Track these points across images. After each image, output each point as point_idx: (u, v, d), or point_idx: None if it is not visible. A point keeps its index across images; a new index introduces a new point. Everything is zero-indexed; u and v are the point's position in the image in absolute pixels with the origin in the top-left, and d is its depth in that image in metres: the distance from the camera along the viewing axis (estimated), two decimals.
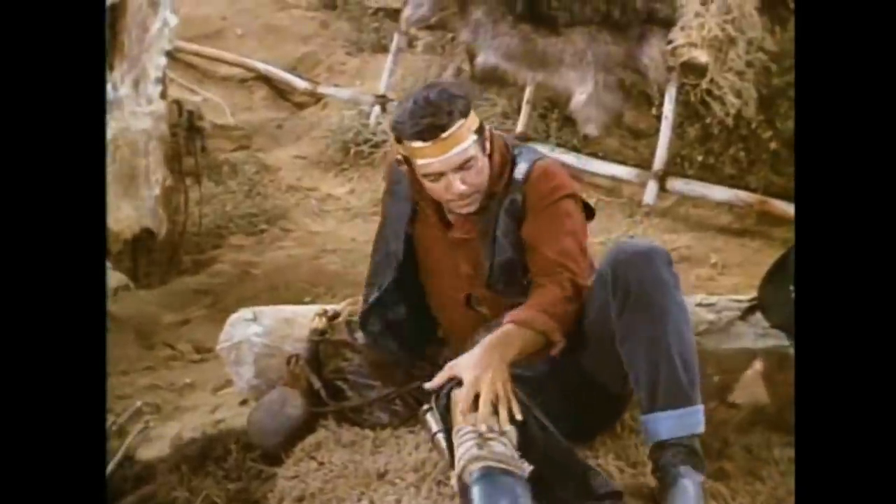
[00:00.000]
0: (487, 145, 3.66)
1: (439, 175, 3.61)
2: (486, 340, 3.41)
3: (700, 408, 3.38)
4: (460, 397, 3.29)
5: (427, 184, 3.68)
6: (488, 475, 3.15)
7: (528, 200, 3.69)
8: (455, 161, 3.57)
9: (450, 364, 3.40)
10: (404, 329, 4.05)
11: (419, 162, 3.61)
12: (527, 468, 3.23)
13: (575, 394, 3.66)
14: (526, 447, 3.31)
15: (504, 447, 3.23)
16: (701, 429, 3.38)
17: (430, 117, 3.54)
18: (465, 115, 3.57)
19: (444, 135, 3.53)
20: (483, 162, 3.63)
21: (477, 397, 3.26)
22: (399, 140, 3.65)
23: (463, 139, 3.55)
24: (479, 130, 3.63)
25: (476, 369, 3.31)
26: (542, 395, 3.49)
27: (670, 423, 3.35)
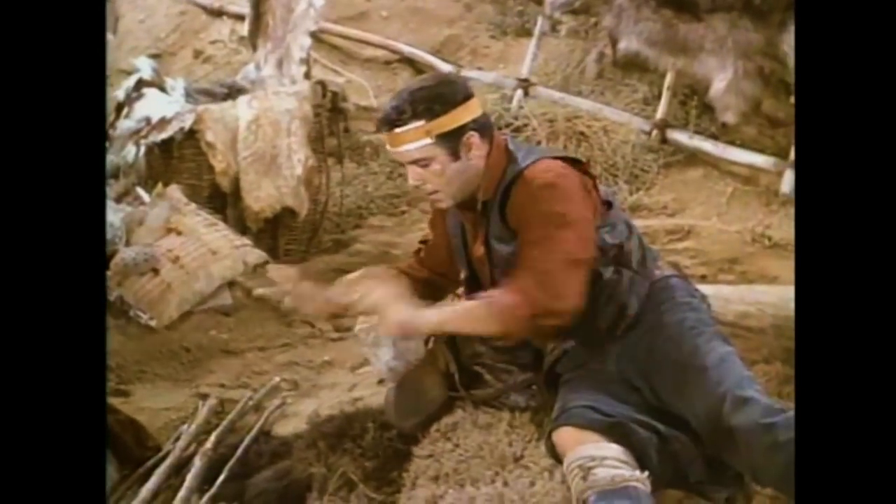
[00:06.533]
0: (468, 152, 3.74)
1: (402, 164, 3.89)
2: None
3: None
4: None
5: None
6: (604, 496, 3.27)
7: (513, 214, 3.74)
8: (405, 157, 3.77)
9: None
10: None
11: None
12: (641, 476, 3.33)
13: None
14: (643, 455, 3.45)
15: (609, 469, 3.31)
16: None
17: (388, 111, 3.76)
18: (424, 117, 3.68)
19: (396, 130, 3.71)
20: (449, 166, 3.74)
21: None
22: None
23: (412, 139, 3.70)
24: (449, 136, 3.71)
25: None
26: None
27: None
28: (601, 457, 3.35)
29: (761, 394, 3.38)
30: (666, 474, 3.47)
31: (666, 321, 3.64)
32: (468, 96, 3.80)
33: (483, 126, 3.78)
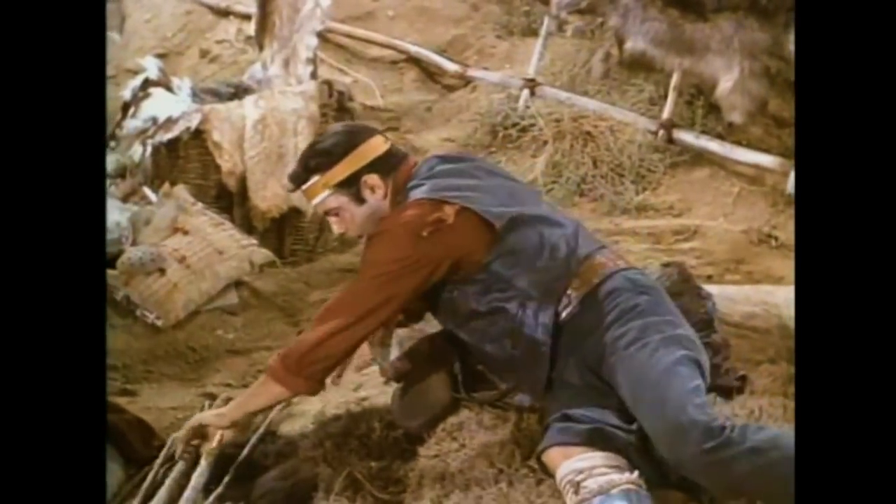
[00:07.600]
0: (372, 193, 3.93)
1: None
2: None
3: None
4: None
5: None
6: (603, 500, 3.29)
7: None
8: (319, 209, 4.07)
9: None
10: None
11: None
12: (633, 477, 3.35)
13: None
14: (627, 457, 3.46)
15: (598, 478, 3.33)
16: None
17: (290, 173, 4.11)
18: (318, 171, 3.94)
19: (301, 188, 4.01)
20: (356, 211, 3.94)
21: None
22: None
23: (315, 194, 3.97)
24: (346, 183, 3.91)
25: None
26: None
27: None
28: (589, 467, 3.37)
29: (703, 410, 3.35)
30: (655, 475, 3.45)
31: (608, 338, 3.60)
32: (363, 140, 3.99)
33: (383, 164, 3.96)
